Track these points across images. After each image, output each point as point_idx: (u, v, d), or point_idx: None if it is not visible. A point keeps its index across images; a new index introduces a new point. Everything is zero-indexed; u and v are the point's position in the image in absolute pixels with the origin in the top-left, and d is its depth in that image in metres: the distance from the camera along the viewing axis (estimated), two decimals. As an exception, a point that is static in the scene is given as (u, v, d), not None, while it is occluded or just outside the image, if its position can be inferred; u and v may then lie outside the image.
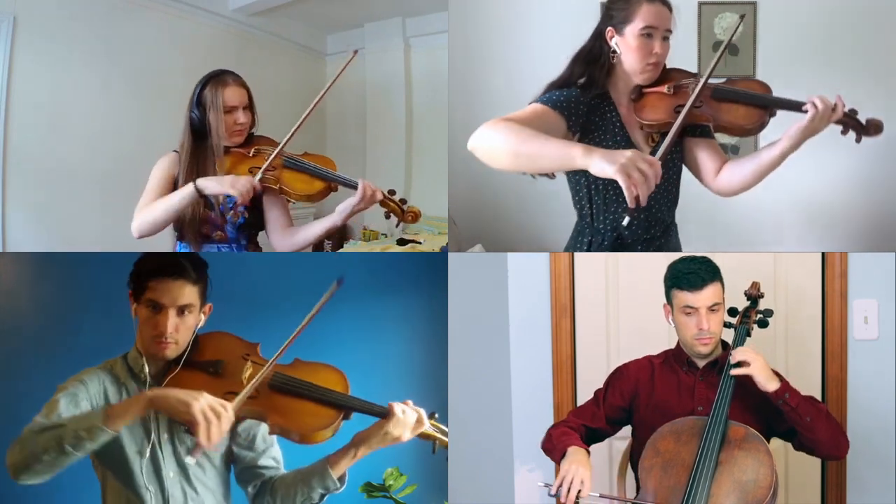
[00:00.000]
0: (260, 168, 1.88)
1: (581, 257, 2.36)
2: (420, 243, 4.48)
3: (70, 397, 1.43)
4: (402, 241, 4.53)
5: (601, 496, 1.60)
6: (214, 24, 4.50)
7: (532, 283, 2.34)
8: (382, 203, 1.93)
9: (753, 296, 1.90)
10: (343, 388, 1.54)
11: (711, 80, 1.68)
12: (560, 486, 1.58)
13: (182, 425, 1.47)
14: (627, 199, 1.32)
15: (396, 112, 5.43)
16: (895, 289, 2.23)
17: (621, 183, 1.31)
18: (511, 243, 3.26)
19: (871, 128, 1.65)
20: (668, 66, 1.71)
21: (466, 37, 3.23)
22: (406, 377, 2.42)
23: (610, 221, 1.76)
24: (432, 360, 2.38)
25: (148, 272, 1.48)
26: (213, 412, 1.34)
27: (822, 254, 2.30)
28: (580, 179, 1.76)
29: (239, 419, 1.51)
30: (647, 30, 1.63)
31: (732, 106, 1.64)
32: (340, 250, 4.99)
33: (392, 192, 1.96)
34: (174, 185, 1.95)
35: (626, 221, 1.53)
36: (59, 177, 3.40)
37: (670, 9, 1.64)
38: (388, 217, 1.97)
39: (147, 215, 1.88)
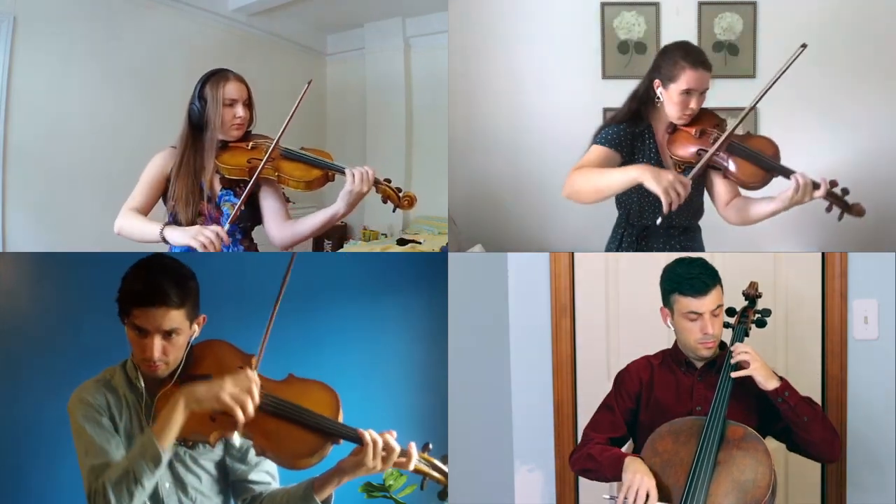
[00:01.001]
0: (259, 159, 1.92)
1: (581, 257, 2.36)
2: (420, 243, 4.48)
3: (93, 424, 1.46)
4: (402, 241, 4.53)
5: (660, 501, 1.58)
6: (214, 24, 4.50)
7: (532, 283, 2.34)
8: (378, 188, 1.94)
9: (751, 295, 1.90)
10: (333, 411, 1.49)
11: (732, 131, 1.98)
12: (626, 497, 1.57)
13: (175, 441, 1.45)
14: (664, 207, 1.77)
15: (396, 112, 5.43)
16: (895, 289, 2.23)
17: (662, 197, 1.76)
18: (511, 243, 3.26)
19: (854, 210, 1.93)
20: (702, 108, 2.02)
21: (466, 37, 3.23)
22: (406, 377, 2.42)
23: (640, 221, 2.10)
24: (432, 360, 2.38)
25: (129, 299, 1.45)
26: (242, 394, 1.39)
27: (822, 254, 2.30)
28: (631, 190, 2.01)
29: (227, 437, 1.51)
30: (688, 91, 1.95)
31: (743, 162, 1.96)
32: (340, 250, 4.99)
33: (388, 181, 1.98)
34: (166, 184, 1.97)
35: (658, 221, 1.94)
36: (59, 177, 3.41)
37: (710, 69, 1.96)
38: (385, 202, 1.99)
39: (127, 227, 1.96)
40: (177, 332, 1.47)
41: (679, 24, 3.13)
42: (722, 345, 1.83)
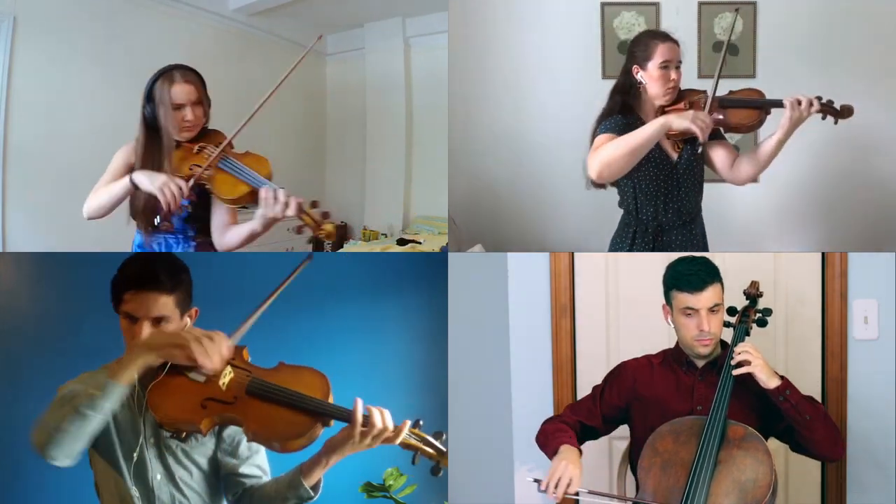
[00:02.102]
0: (200, 166, 1.90)
1: (581, 257, 2.36)
2: (420, 243, 4.48)
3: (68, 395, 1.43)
4: (402, 241, 4.53)
5: (590, 492, 1.61)
6: (214, 24, 4.50)
7: (532, 283, 2.34)
8: (301, 216, 1.81)
9: (752, 295, 1.90)
10: (323, 393, 1.49)
11: (718, 89, 2.08)
12: (549, 482, 1.60)
13: (166, 431, 1.46)
14: (700, 136, 1.89)
15: (396, 112, 5.43)
16: (895, 289, 2.23)
17: (694, 130, 1.88)
18: (511, 243, 3.26)
19: (844, 111, 2.01)
20: (681, 88, 2.11)
21: (466, 37, 3.23)
22: (406, 377, 2.42)
23: (651, 213, 2.09)
24: (432, 360, 2.38)
25: (123, 283, 1.48)
26: (205, 337, 1.37)
27: (822, 254, 2.30)
28: (627, 182, 2.09)
29: (218, 425, 1.51)
30: (664, 63, 2.03)
31: (736, 111, 2.06)
32: (340, 250, 4.99)
33: (315, 204, 1.91)
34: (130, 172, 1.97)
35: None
36: (59, 177, 3.40)
37: (678, 44, 2.07)
38: (299, 232, 1.93)
39: (94, 200, 1.96)
40: (167, 319, 1.48)
41: (679, 24, 3.13)
42: (723, 344, 1.83)
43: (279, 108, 5.31)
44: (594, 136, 2.06)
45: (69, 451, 1.32)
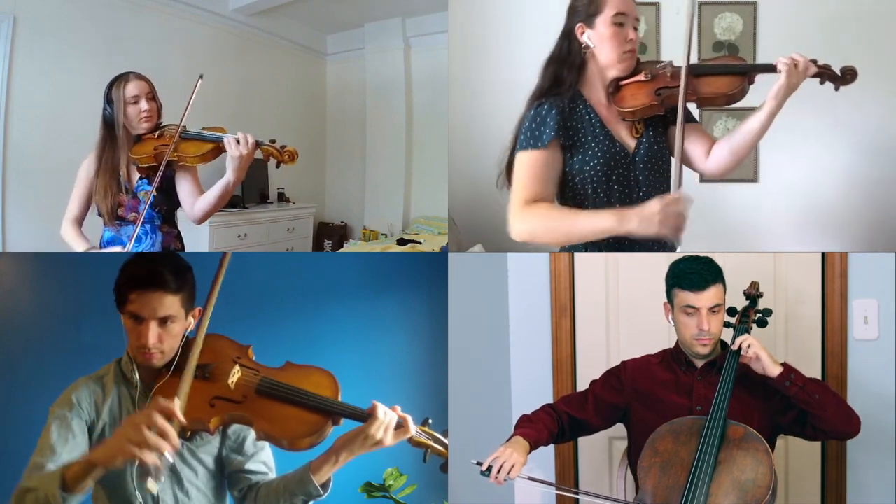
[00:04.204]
0: (166, 145, 2.08)
1: (581, 257, 2.36)
2: (420, 243, 4.48)
3: (61, 423, 1.44)
4: (402, 241, 4.53)
5: (530, 479, 1.64)
6: (214, 24, 4.50)
7: (532, 283, 2.34)
8: (262, 149, 2.04)
9: (752, 295, 1.90)
10: (332, 392, 1.50)
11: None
12: (491, 464, 1.62)
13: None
14: (676, 242, 1.60)
15: (396, 112, 5.43)
16: (895, 289, 2.23)
17: (670, 236, 1.52)
18: (511, 243, 3.25)
19: (847, 74, 1.69)
20: (639, 58, 1.74)
21: (466, 37, 3.23)
22: (406, 377, 2.42)
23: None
24: (432, 360, 2.38)
25: (128, 283, 1.48)
26: (146, 430, 1.23)
27: (822, 254, 2.30)
28: (573, 181, 1.73)
29: (227, 424, 1.51)
30: (618, 17, 1.65)
31: (711, 78, 1.68)
32: (340, 250, 4.99)
33: (273, 141, 2.06)
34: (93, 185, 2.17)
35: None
36: (59, 177, 3.40)
37: None
38: (267, 160, 2.08)
39: (65, 238, 2.21)
40: (172, 319, 1.48)
41: (679, 24, 3.13)
42: (723, 345, 1.83)
43: (279, 108, 5.32)
44: (516, 136, 1.71)
45: None
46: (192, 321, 1.55)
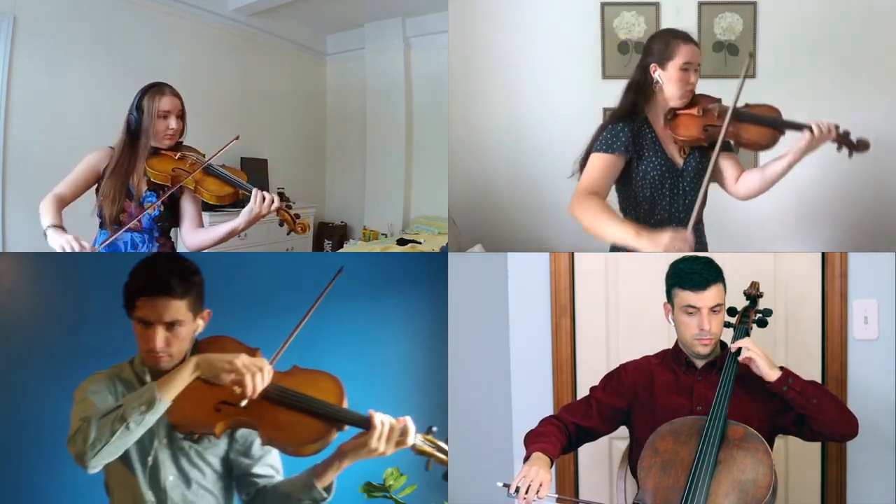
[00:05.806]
0: (183, 170, 2.12)
1: (581, 257, 2.36)
2: (420, 243, 4.48)
3: (94, 394, 1.48)
4: (402, 241, 4.53)
5: (559, 499, 1.63)
6: (214, 24, 4.49)
7: (532, 283, 2.34)
8: (279, 213, 2.13)
9: (752, 295, 1.90)
10: (338, 398, 1.51)
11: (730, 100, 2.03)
12: (518, 485, 1.60)
13: (179, 433, 1.49)
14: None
15: (396, 112, 5.43)
16: (895, 289, 2.23)
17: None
18: (511, 243, 3.26)
19: (861, 145, 2.04)
20: (695, 93, 2.08)
21: (466, 37, 3.23)
22: (406, 377, 2.41)
23: (653, 221, 2.05)
24: (432, 360, 2.38)
25: (135, 290, 1.49)
26: (254, 366, 1.44)
27: (822, 254, 2.30)
28: (627, 190, 2.05)
29: (233, 429, 1.52)
30: (686, 65, 2.00)
31: (752, 126, 2.03)
32: (340, 250, 5.00)
33: (289, 206, 2.16)
34: (97, 178, 2.14)
35: None
36: (59, 177, 3.40)
37: (699, 46, 2.05)
38: (281, 225, 2.20)
39: (42, 208, 2.06)
40: (179, 323, 1.50)
41: (679, 24, 3.12)
42: (722, 345, 1.83)
43: (279, 108, 5.32)
44: (594, 141, 2.03)
45: (108, 461, 1.38)
46: (200, 323, 1.56)
